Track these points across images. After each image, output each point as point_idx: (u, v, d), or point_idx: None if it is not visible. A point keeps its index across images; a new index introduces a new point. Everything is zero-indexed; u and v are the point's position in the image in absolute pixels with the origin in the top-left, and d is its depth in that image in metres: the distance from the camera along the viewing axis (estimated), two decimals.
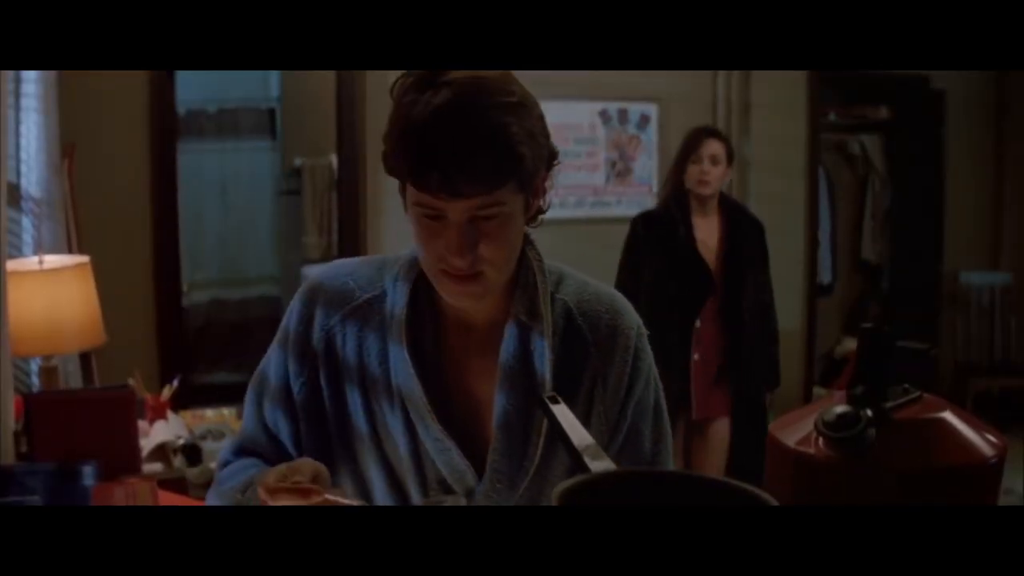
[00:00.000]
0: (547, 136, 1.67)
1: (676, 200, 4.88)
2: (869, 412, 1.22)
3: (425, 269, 1.68)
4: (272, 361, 1.82)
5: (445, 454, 1.71)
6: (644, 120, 6.45)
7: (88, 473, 2.78)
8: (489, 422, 1.74)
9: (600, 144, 6.39)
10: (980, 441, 1.28)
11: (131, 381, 3.92)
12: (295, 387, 1.77)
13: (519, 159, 1.57)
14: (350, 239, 5.95)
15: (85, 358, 4.61)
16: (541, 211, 1.74)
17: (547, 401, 1.51)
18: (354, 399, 1.75)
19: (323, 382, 1.76)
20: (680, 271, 4.80)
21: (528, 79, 5.22)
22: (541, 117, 1.65)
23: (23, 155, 4.22)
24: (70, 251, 4.62)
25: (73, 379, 4.40)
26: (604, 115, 6.37)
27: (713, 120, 6.52)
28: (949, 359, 7.72)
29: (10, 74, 4.14)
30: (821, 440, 1.21)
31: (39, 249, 4.15)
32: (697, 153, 4.79)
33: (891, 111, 7.74)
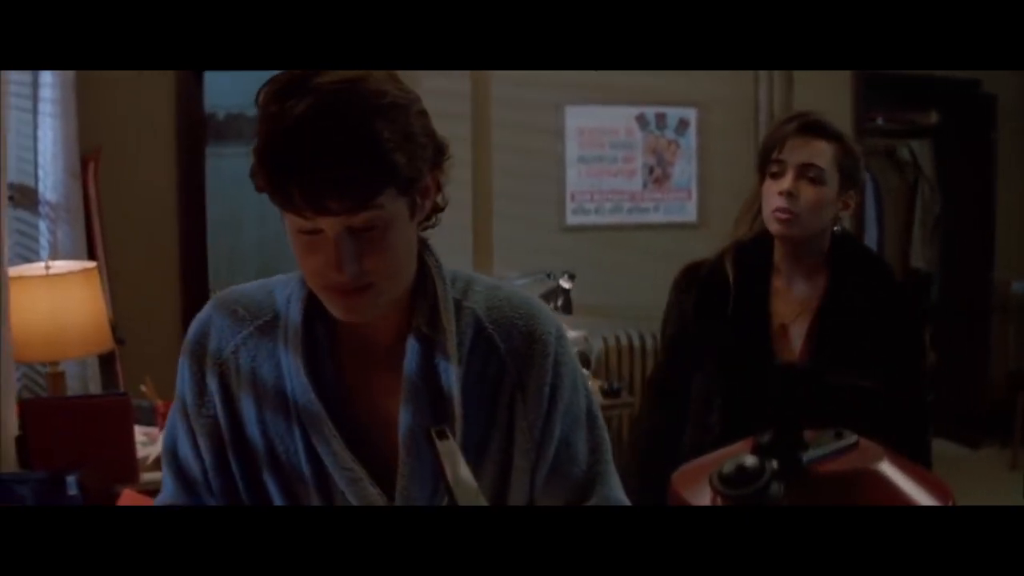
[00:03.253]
0: (430, 133, 1.53)
1: (750, 246, 2.72)
2: (775, 464, 1.09)
3: (310, 285, 1.57)
4: (176, 397, 1.71)
5: (355, 484, 1.59)
6: (683, 125, 6.36)
7: (71, 483, 2.74)
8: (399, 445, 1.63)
9: (637, 149, 6.31)
10: (920, 497, 1.17)
11: (143, 387, 3.89)
12: (196, 427, 1.66)
13: (392, 167, 1.43)
14: None
15: (109, 363, 4.59)
16: (438, 208, 1.62)
17: (434, 436, 1.41)
18: (253, 432, 1.63)
19: (220, 419, 1.64)
20: (738, 375, 2.63)
21: (563, 83, 5.16)
22: (422, 113, 1.51)
23: (40, 159, 4.20)
24: (92, 255, 4.60)
25: (93, 384, 4.38)
26: (641, 119, 6.29)
27: (755, 125, 6.39)
28: (1000, 370, 7.56)
29: (28, 79, 4.14)
30: (719, 498, 1.08)
31: (54, 253, 4.14)
32: (779, 159, 2.60)
33: (941, 116, 7.59)
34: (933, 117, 7.62)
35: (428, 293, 1.64)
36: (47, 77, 4.16)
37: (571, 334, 5.58)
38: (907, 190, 7.96)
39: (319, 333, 1.64)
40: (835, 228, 2.65)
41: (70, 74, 4.32)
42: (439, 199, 1.61)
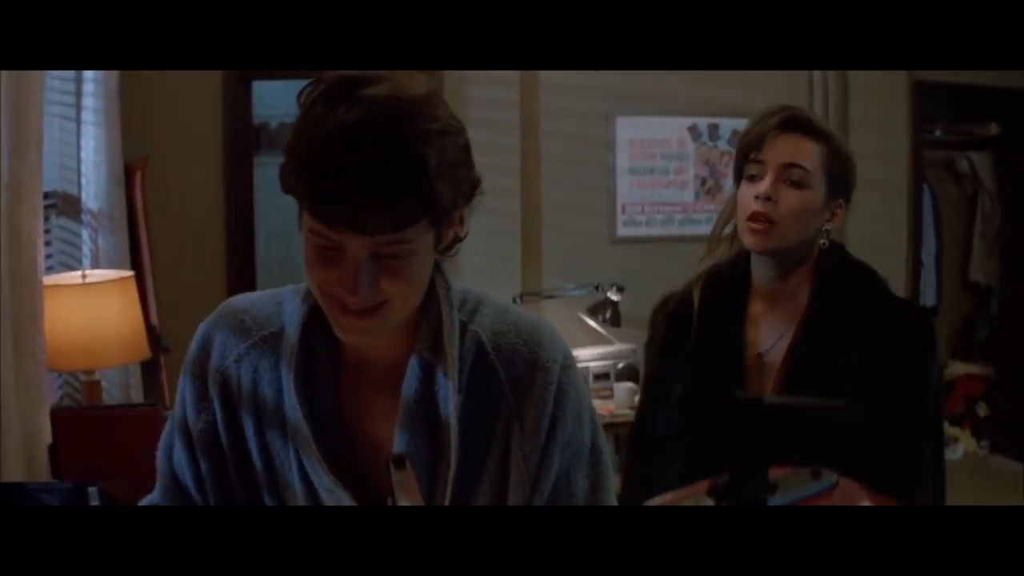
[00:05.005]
0: (471, 166, 1.49)
1: (724, 271, 2.38)
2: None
3: (316, 296, 1.52)
4: (176, 406, 1.69)
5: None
6: (736, 135, 6.25)
7: (93, 493, 2.74)
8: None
9: (689, 160, 6.24)
10: None
11: None
12: (195, 433, 1.64)
13: (436, 197, 1.40)
14: None
15: (153, 371, 4.60)
16: (458, 239, 1.57)
17: (390, 462, 1.36)
18: (251, 444, 1.61)
19: (220, 427, 1.62)
20: (700, 414, 2.25)
21: (614, 93, 5.08)
22: (466, 146, 1.48)
23: (83, 168, 4.22)
24: (139, 264, 4.62)
25: (135, 392, 4.40)
26: (693, 131, 6.22)
27: None
28: None
29: (72, 87, 4.17)
30: None
31: (95, 262, 4.16)
32: (758, 159, 2.27)
33: (1001, 127, 7.46)
34: (993, 128, 7.50)
35: (433, 316, 1.60)
36: (89, 85, 4.19)
37: (620, 347, 5.54)
38: (966, 202, 7.85)
39: (318, 351, 1.60)
40: (821, 242, 2.30)
41: (113, 82, 4.34)
42: (461, 231, 1.57)
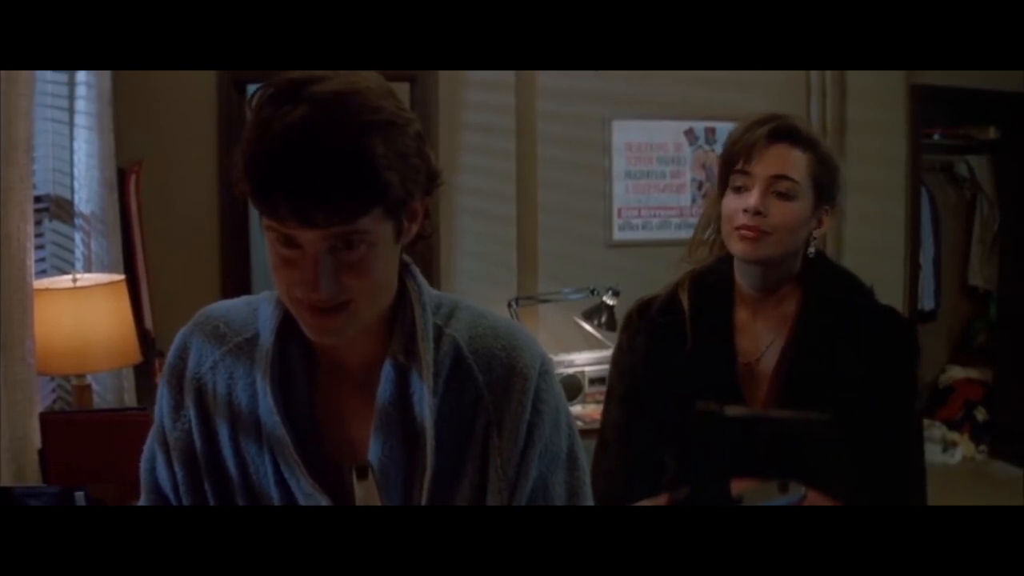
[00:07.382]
0: (425, 156, 1.49)
1: (707, 275, 2.33)
2: None
3: (284, 300, 1.52)
4: (156, 416, 1.68)
5: None
6: None
7: (79, 498, 2.73)
8: None
9: (686, 164, 6.23)
10: None
11: None
12: (171, 441, 1.63)
13: (384, 185, 1.39)
14: (424, 252, 5.87)
15: (147, 375, 4.59)
16: (422, 236, 1.57)
17: (354, 471, 1.36)
18: (226, 452, 1.60)
19: (195, 434, 1.61)
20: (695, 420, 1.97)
21: (611, 97, 5.06)
22: (419, 135, 1.48)
23: (76, 172, 4.21)
24: (133, 268, 4.61)
25: (129, 396, 4.39)
26: (690, 134, 6.21)
27: None
28: None
29: (65, 91, 4.16)
30: None
31: (88, 266, 4.15)
32: (745, 171, 2.21)
33: (999, 131, 7.45)
34: (992, 132, 7.50)
35: (407, 320, 1.59)
36: (81, 89, 4.18)
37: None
38: (965, 206, 7.85)
39: (293, 355, 1.60)
40: (808, 251, 2.27)
41: (106, 85, 4.33)
42: (426, 226, 1.57)
